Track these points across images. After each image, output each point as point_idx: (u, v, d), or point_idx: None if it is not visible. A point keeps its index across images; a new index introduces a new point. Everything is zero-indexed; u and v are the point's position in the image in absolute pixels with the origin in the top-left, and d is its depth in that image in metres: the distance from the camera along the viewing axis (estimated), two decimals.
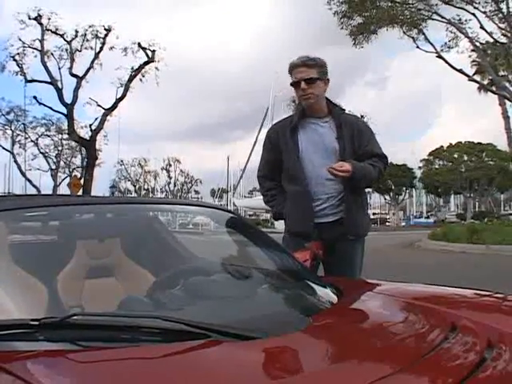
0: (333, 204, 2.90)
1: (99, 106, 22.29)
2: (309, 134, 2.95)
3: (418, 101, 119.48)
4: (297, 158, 2.90)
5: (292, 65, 2.91)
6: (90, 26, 22.65)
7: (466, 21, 20.33)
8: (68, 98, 21.83)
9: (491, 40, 20.86)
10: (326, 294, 1.85)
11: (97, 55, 22.67)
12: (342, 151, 2.87)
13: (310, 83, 2.85)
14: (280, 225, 3.35)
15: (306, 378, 1.16)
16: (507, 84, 22.15)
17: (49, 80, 21.89)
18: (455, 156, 50.71)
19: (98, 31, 22.69)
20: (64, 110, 21.93)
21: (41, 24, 21.96)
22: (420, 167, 54.21)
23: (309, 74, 2.85)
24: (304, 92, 2.86)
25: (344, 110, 3.08)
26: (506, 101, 22.82)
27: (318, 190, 2.90)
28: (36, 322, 1.27)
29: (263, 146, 3.12)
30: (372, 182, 3.01)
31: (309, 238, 2.78)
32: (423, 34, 21.04)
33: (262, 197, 3.22)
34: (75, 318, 1.32)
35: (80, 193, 20.26)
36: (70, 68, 22.38)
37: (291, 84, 2.92)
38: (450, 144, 51.65)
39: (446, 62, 20.70)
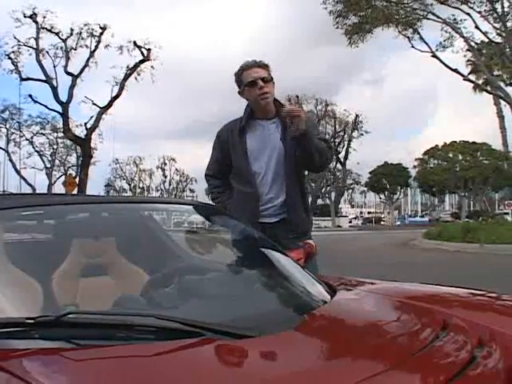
0: (276, 205, 2.92)
1: (94, 104, 22.31)
2: (256, 134, 2.98)
3: (413, 100, 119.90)
4: (244, 159, 2.94)
5: (245, 66, 2.93)
6: (85, 25, 22.68)
7: (461, 20, 20.45)
8: (63, 97, 21.85)
9: (486, 40, 20.96)
10: (320, 293, 1.86)
11: (92, 53, 22.69)
12: (285, 152, 2.90)
13: (266, 82, 2.89)
14: None
15: (299, 376, 1.17)
16: (502, 84, 22.23)
17: (44, 78, 21.86)
18: (450, 155, 50.80)
19: (93, 29, 22.73)
20: (59, 109, 21.95)
21: (36, 22, 21.94)
22: (415, 166, 54.31)
23: (263, 74, 2.89)
24: (262, 91, 2.87)
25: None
26: (501, 100, 22.87)
27: (264, 190, 2.93)
28: (31, 321, 1.28)
29: (213, 146, 3.14)
30: (321, 153, 2.91)
31: None
32: (418, 33, 21.12)
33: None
34: (70, 316, 1.33)
35: (75, 191, 20.23)
36: (66, 66, 22.38)
37: (246, 84, 2.91)
38: (445, 143, 51.73)
39: (441, 61, 20.79)
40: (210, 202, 3.13)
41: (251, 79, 2.89)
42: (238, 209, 2.89)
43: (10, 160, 39.01)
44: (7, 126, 37.62)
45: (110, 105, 22.48)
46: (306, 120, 2.79)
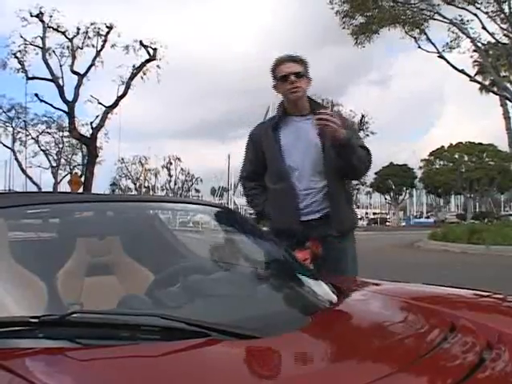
0: (317, 200, 2.86)
1: (100, 103, 22.31)
2: (291, 130, 2.94)
3: (419, 101, 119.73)
4: (279, 155, 2.89)
5: (279, 60, 2.92)
6: (91, 24, 22.69)
7: (467, 21, 20.36)
8: (69, 96, 21.85)
9: (493, 40, 20.87)
10: (326, 293, 1.85)
11: (98, 53, 22.69)
12: (323, 146, 2.84)
13: (298, 77, 2.86)
14: None
15: (304, 378, 1.16)
16: (508, 85, 22.14)
17: (50, 77, 21.89)
18: (456, 156, 50.77)
19: (99, 29, 22.73)
20: (65, 108, 21.95)
21: (42, 21, 21.97)
22: (421, 167, 54.34)
23: (297, 69, 2.87)
24: (293, 85, 2.85)
25: (328, 107, 3.05)
26: (507, 101, 22.77)
27: (302, 185, 2.86)
28: (36, 320, 1.27)
29: (246, 148, 3.10)
30: (362, 163, 2.88)
31: (293, 236, 2.74)
32: (425, 34, 21.05)
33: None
34: (75, 315, 1.32)
35: (80, 190, 20.27)
36: (72, 65, 22.40)
37: (279, 79, 2.89)
38: (451, 144, 51.71)
39: (448, 62, 20.72)
40: (217, 203, 3.11)
41: (283, 74, 2.87)
42: (275, 209, 2.86)
43: (16, 159, 39.01)
44: (13, 125, 37.61)
45: (115, 104, 22.49)
46: (345, 127, 2.71)
